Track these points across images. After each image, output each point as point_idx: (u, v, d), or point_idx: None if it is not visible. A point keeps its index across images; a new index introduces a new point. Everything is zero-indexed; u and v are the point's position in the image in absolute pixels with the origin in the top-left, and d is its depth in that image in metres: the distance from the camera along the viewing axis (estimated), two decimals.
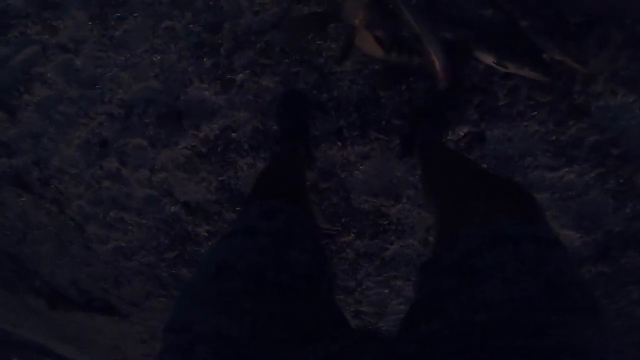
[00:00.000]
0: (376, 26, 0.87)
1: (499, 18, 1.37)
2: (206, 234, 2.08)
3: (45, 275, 3.23)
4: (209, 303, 0.60)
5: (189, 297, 0.65)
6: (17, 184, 2.31)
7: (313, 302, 0.67)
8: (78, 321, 3.73)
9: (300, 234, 0.79)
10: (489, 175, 0.94)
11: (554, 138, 1.49)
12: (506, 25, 1.37)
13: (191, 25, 1.53)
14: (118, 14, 1.61)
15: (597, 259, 1.81)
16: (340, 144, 1.67)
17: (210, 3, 1.49)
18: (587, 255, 1.80)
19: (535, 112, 1.47)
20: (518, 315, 0.51)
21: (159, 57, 1.63)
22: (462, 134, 1.57)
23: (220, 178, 1.87)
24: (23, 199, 2.41)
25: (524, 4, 1.34)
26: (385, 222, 1.83)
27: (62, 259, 2.86)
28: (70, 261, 2.83)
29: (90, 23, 1.64)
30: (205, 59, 1.61)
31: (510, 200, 0.73)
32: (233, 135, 1.74)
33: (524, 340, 0.49)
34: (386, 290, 2.07)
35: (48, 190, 2.28)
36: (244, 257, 0.67)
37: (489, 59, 1.31)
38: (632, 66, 1.35)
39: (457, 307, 0.57)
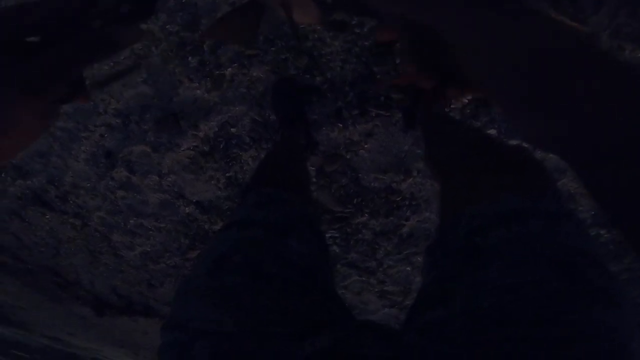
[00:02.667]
0: None
1: None
2: (216, 233, 2.09)
3: (86, 285, 3.34)
4: (207, 298, 0.59)
5: (187, 293, 0.64)
6: (38, 203, 2.37)
7: (311, 292, 0.65)
8: (124, 325, 3.86)
9: (298, 224, 0.76)
10: (494, 146, 0.89)
11: None
12: None
13: (168, 26, 1.50)
14: None
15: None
16: (341, 125, 1.62)
17: (183, 1, 1.45)
18: None
19: None
20: (526, 300, 0.47)
21: (142, 62, 1.60)
22: (466, 100, 1.50)
23: (227, 174, 1.86)
24: (47, 217, 2.48)
25: None
26: (398, 199, 1.78)
27: (97, 268, 2.94)
28: (104, 269, 2.92)
29: None
30: (190, 58, 1.57)
31: (517, 173, 0.67)
32: (232, 130, 1.72)
33: (533, 328, 0.45)
34: (408, 268, 2.03)
35: (68, 206, 2.33)
36: (240, 249, 0.65)
37: None
38: (633, 23, 1.25)
39: (461, 293, 0.53)
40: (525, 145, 1.54)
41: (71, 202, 2.28)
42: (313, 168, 1.73)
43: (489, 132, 1.53)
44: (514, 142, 1.53)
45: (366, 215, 1.86)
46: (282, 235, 0.70)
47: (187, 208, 2.05)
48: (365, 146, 1.67)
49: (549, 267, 0.49)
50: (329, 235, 1.94)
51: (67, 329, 4.94)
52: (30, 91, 0.33)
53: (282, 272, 0.64)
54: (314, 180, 1.77)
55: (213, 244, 0.73)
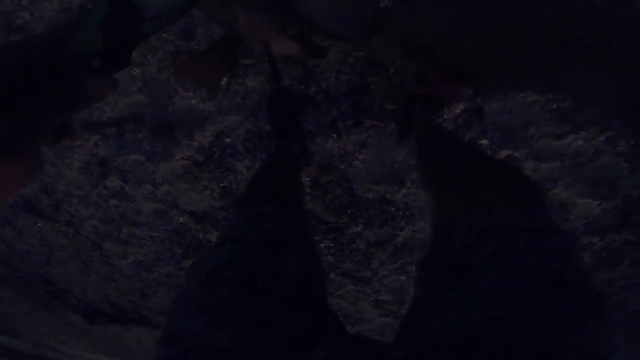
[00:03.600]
0: (285, 29, 0.83)
1: None
2: (210, 246, 2.09)
3: (77, 293, 3.32)
4: (201, 313, 0.59)
5: (182, 307, 0.64)
6: (30, 211, 2.35)
7: (305, 307, 0.65)
8: (116, 333, 3.84)
9: (292, 239, 0.77)
10: (486, 160, 0.90)
11: (554, 106, 1.41)
12: None
13: (165, 35, 1.50)
14: None
15: (619, 226, 1.72)
16: (335, 135, 1.63)
17: None
18: (609, 224, 1.72)
19: None
20: (517, 314, 0.48)
21: (138, 71, 1.60)
22: (458, 110, 1.50)
23: (221, 184, 1.85)
24: (39, 224, 2.46)
25: None
26: (392, 209, 1.79)
27: (89, 276, 2.93)
28: (96, 278, 2.90)
29: None
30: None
31: (508, 186, 0.68)
32: (227, 140, 1.72)
33: (523, 341, 0.46)
34: (403, 277, 2.04)
35: (60, 214, 2.32)
36: (234, 265, 0.66)
37: None
38: None
39: (453, 306, 0.54)
40: (516, 155, 1.56)
41: (63, 210, 2.27)
42: (307, 179, 1.73)
43: (481, 142, 1.54)
44: (505, 153, 1.54)
45: (360, 225, 1.86)
46: (276, 250, 0.70)
47: (181, 217, 2.04)
48: (360, 157, 1.68)
49: (538, 280, 0.50)
50: (324, 245, 1.94)
51: (58, 337, 4.90)
52: (7, 150, 0.32)
53: (276, 287, 0.64)
54: (309, 190, 1.77)
55: (207, 258, 0.73)
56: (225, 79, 1.42)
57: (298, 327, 0.60)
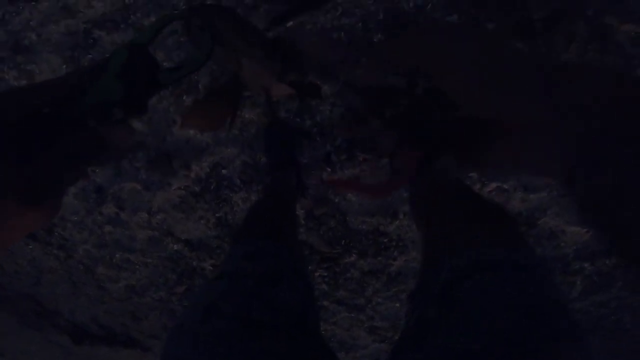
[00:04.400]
0: (284, 77, 0.88)
1: (465, 23, 1.35)
2: (211, 267, 2.09)
3: (65, 314, 3.28)
4: (197, 345, 0.61)
5: (178, 338, 0.66)
6: None
7: (300, 340, 0.67)
8: (104, 355, 3.78)
9: (287, 273, 0.79)
10: (471, 197, 0.93)
11: None
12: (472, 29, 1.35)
13: (165, 64, 1.53)
14: (90, 55, 1.60)
15: (609, 251, 1.77)
16: (329, 169, 1.66)
17: (181, 39, 1.48)
18: (598, 249, 1.77)
19: None
20: (498, 344, 0.51)
21: None
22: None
23: (217, 215, 1.87)
24: (30, 247, 2.45)
25: (488, 6, 1.32)
26: (385, 240, 1.82)
27: (78, 298, 2.90)
28: (86, 300, 2.88)
29: (64, 66, 1.63)
30: (184, 97, 1.60)
31: (492, 225, 0.72)
32: (224, 172, 1.74)
33: None
34: (397, 304, 2.06)
35: (53, 238, 2.31)
36: (230, 300, 0.68)
37: None
38: (604, 58, 1.31)
39: (439, 336, 0.56)
40: (505, 187, 1.60)
41: (57, 234, 2.26)
42: (302, 211, 1.76)
43: (470, 175, 1.58)
44: (494, 185, 1.58)
45: (354, 255, 1.89)
46: (271, 284, 0.73)
47: (175, 245, 2.05)
48: None
49: (520, 312, 0.52)
50: (318, 274, 1.97)
51: (43, 356, 4.82)
52: (29, 198, 0.31)
53: (271, 320, 0.66)
54: (303, 222, 1.80)
55: (204, 291, 0.75)
56: (228, 121, 1.46)
57: (294, 357, 0.63)
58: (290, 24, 1.24)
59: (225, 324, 0.63)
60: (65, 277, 2.65)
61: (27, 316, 3.50)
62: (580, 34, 1.29)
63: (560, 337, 0.50)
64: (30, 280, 2.88)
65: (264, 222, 1.07)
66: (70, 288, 2.78)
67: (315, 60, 1.02)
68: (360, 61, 1.33)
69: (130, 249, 2.16)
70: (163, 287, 2.33)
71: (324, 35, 1.25)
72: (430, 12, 1.35)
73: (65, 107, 0.35)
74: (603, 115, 0.28)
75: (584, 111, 0.29)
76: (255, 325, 0.64)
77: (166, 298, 2.41)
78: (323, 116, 1.57)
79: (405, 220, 1.74)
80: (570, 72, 0.31)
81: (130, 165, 1.81)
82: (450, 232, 0.76)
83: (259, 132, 1.62)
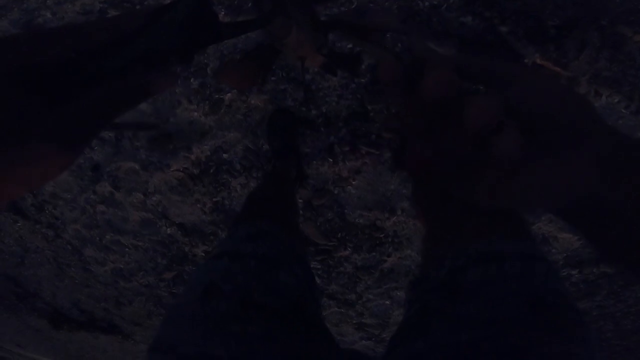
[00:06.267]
0: (321, 49, 0.92)
1: (479, 25, 1.37)
2: (203, 254, 2.08)
3: (46, 297, 3.23)
4: (195, 324, 0.60)
5: (176, 317, 0.65)
6: (12, 210, 2.30)
7: (299, 324, 0.67)
8: (82, 341, 3.73)
9: (287, 257, 0.79)
10: None
11: None
12: (486, 32, 1.37)
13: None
14: None
15: (598, 260, 1.80)
16: (331, 160, 1.66)
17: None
18: (587, 257, 1.80)
19: None
20: (501, 335, 0.51)
21: None
22: None
23: (214, 199, 1.86)
24: (19, 224, 2.41)
25: (503, 10, 1.33)
26: (381, 235, 1.82)
27: (62, 280, 2.86)
28: (70, 283, 2.83)
29: None
30: (192, 80, 1.59)
31: (496, 216, 0.72)
32: (224, 156, 1.73)
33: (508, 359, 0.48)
34: (387, 302, 2.06)
35: (43, 216, 2.27)
36: (230, 279, 0.67)
37: None
38: (613, 67, 1.33)
39: (441, 326, 0.56)
40: None
41: (47, 212, 2.23)
42: (301, 201, 1.76)
43: None
44: None
45: (349, 249, 1.89)
46: (271, 267, 0.72)
47: (168, 229, 2.03)
48: (353, 183, 1.71)
49: (522, 303, 0.53)
50: (312, 266, 1.96)
51: (17, 340, 4.73)
52: (60, 143, 0.30)
53: (271, 303, 0.65)
54: (301, 212, 1.79)
55: (203, 271, 0.75)
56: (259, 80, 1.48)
57: (292, 343, 0.62)
58: None
59: (225, 304, 0.62)
60: (51, 258, 2.61)
61: (6, 298, 3.44)
62: (593, 42, 1.31)
63: (564, 329, 0.51)
64: (14, 260, 2.83)
65: (266, 206, 1.07)
66: (54, 270, 2.74)
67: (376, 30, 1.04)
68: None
69: (122, 231, 2.13)
70: (152, 272, 2.30)
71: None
72: (444, 12, 1.36)
73: (114, 48, 0.34)
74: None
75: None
76: (255, 308, 0.63)
77: (154, 284, 2.38)
78: (329, 107, 1.58)
79: (402, 216, 1.75)
80: None
81: (130, 144, 1.80)
82: (454, 223, 0.77)
83: (264, 118, 1.62)
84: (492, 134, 0.29)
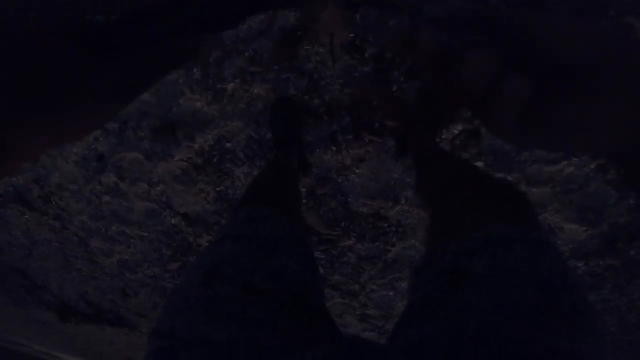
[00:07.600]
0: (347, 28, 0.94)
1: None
2: (207, 244, 2.08)
3: (53, 289, 3.26)
4: (196, 308, 0.60)
5: (176, 302, 0.64)
6: (19, 201, 2.32)
7: (301, 309, 0.66)
8: (89, 333, 3.76)
9: (289, 242, 0.78)
10: (482, 176, 0.93)
11: None
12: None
13: None
14: None
15: (604, 252, 1.78)
16: (334, 148, 1.66)
17: None
18: (593, 249, 1.78)
19: None
20: (508, 321, 0.50)
21: None
22: (456, 131, 1.55)
23: (217, 188, 1.87)
24: (26, 216, 2.43)
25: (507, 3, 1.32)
26: (385, 225, 1.82)
27: (69, 272, 2.88)
28: (77, 275, 2.86)
29: None
30: (194, 69, 1.60)
31: (503, 202, 0.71)
32: (228, 145, 1.73)
33: (514, 346, 0.47)
34: (391, 293, 2.06)
35: (50, 207, 2.29)
36: (231, 263, 0.67)
37: None
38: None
39: (447, 313, 0.56)
40: (509, 179, 1.61)
41: (54, 203, 2.24)
42: (304, 189, 1.76)
43: (476, 164, 1.59)
44: (499, 176, 1.59)
45: (352, 239, 1.88)
46: (273, 251, 0.72)
47: (173, 219, 2.04)
48: (357, 171, 1.71)
49: (529, 290, 0.52)
50: (315, 256, 1.96)
51: (25, 333, 4.79)
52: (106, 96, 0.31)
53: (272, 287, 0.65)
54: (304, 201, 1.79)
55: (205, 255, 0.74)
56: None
57: (294, 329, 0.62)
58: None
59: (228, 288, 0.62)
60: (58, 249, 2.63)
61: (14, 291, 3.48)
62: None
63: (573, 316, 0.50)
64: (21, 252, 2.86)
65: (269, 191, 1.07)
66: (61, 261, 2.76)
67: None
68: None
69: (127, 221, 2.15)
70: (157, 263, 2.32)
71: None
72: None
73: (169, 11, 0.35)
74: None
75: None
76: (257, 293, 0.63)
77: (159, 275, 2.39)
78: (332, 96, 1.57)
79: (406, 205, 1.74)
80: None
81: (134, 134, 1.80)
82: (460, 208, 0.76)
83: (266, 107, 1.62)
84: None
